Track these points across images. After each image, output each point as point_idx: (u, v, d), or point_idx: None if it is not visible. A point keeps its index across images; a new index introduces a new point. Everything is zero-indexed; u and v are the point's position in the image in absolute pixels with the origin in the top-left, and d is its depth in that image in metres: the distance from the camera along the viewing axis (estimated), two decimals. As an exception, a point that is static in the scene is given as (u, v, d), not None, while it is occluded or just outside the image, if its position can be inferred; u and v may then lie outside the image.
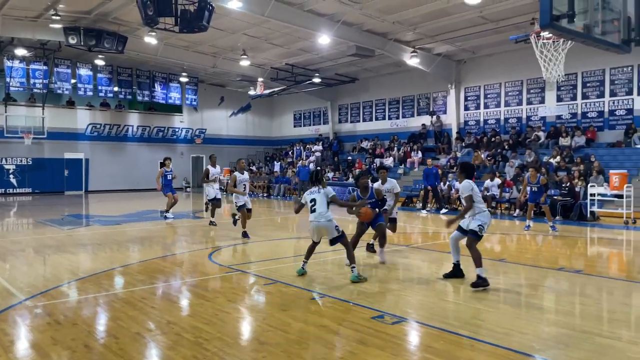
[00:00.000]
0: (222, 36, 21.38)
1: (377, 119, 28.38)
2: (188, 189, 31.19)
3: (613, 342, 4.63)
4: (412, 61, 21.95)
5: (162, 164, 15.70)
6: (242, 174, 11.32)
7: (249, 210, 11.29)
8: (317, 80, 26.94)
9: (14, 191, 26.03)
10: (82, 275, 7.32)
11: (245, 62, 24.23)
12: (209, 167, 13.88)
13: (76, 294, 6.50)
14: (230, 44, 22.76)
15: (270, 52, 23.96)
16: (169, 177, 15.05)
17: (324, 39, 19.55)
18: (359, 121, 29.51)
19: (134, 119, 30.49)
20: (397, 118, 27.30)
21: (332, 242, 7.19)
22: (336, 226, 7.15)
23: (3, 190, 25.77)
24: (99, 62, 25.29)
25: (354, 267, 7.03)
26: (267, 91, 28.16)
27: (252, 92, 29.20)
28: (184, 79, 28.70)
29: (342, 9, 17.86)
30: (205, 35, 18.72)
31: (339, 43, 20.77)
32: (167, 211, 15.00)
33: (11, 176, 26.10)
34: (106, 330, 5.11)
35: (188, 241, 11.40)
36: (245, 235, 10.99)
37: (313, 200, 7.20)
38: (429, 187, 18.24)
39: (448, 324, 5.09)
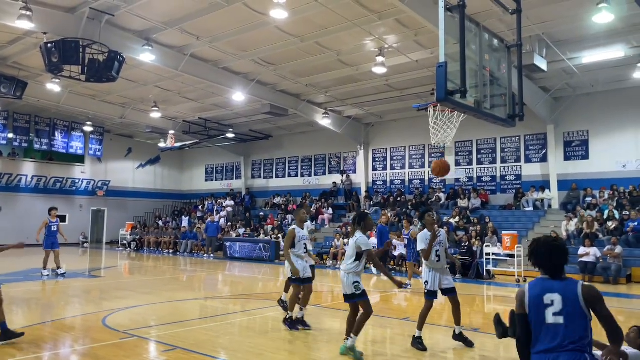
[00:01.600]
0: (133, 87, 20.89)
1: (289, 175, 28.71)
2: (86, 245, 29.01)
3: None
4: (324, 122, 22.78)
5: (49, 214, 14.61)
6: (303, 228, 8.08)
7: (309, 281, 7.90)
8: (230, 135, 26.90)
9: None
10: (-51, 345, 6.42)
11: (156, 114, 23.72)
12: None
13: (-61, 369, 5.66)
14: (141, 95, 22.26)
15: (183, 105, 23.74)
16: (53, 228, 14.22)
17: (238, 96, 19.79)
18: (272, 177, 29.65)
19: (28, 168, 28.29)
20: (310, 175, 27.81)
21: (346, 299, 6.23)
22: (355, 282, 6.10)
23: None
24: (-7, 107, 23.55)
25: (351, 338, 6.09)
26: (179, 144, 27.59)
27: (162, 145, 28.43)
28: (88, 128, 27.35)
29: (256, 69, 18.29)
30: (114, 85, 18.12)
31: (253, 101, 21.13)
32: (44, 268, 14.06)
33: None
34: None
35: (81, 303, 10.49)
36: (304, 324, 7.78)
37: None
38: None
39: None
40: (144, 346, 6.83)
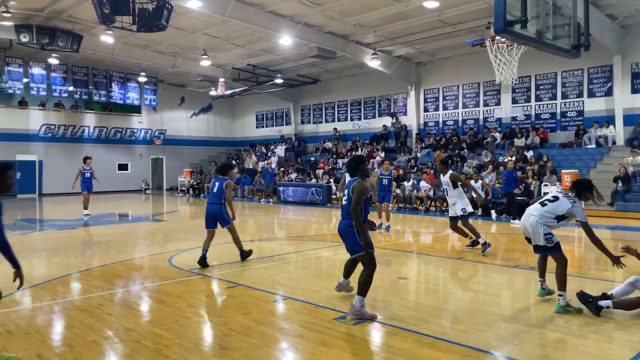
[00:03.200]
0: (182, 35, 21.03)
1: (339, 120, 28.54)
2: (147, 191, 30.49)
3: (564, 336, 4.82)
4: (373, 63, 22.20)
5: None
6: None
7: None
8: (279, 81, 26.89)
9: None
10: (35, 282, 7.05)
11: (205, 62, 23.94)
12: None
13: (29, 302, 6.26)
14: (190, 43, 22.41)
15: (232, 52, 23.73)
16: (87, 175, 15.62)
17: (285, 40, 19.55)
18: (321, 122, 29.60)
19: (90, 120, 29.56)
20: (359, 119, 27.55)
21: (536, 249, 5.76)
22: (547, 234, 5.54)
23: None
24: (53, 61, 24.43)
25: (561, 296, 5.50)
26: (229, 92, 27.89)
27: (213, 93, 28.84)
28: (142, 79, 28.07)
29: (303, 11, 17.87)
30: (164, 34, 18.35)
31: (300, 44, 20.81)
32: (85, 207, 15.55)
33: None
34: (61, 339, 4.94)
35: (147, 245, 11.16)
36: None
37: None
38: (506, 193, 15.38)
39: (408, 322, 5.17)
40: (208, 283, 7.25)
